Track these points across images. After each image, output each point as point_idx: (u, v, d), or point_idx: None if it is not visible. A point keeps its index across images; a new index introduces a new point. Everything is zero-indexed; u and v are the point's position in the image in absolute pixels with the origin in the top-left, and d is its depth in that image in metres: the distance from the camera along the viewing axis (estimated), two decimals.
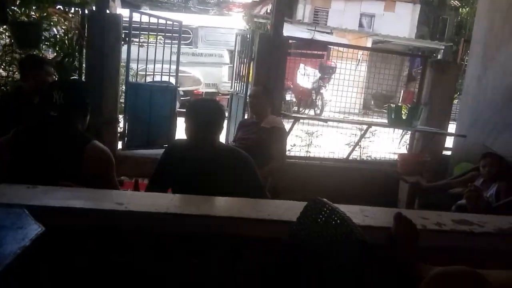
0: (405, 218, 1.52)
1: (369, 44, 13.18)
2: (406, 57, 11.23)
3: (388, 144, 5.54)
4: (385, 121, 4.86)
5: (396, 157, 5.04)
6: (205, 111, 2.17)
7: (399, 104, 5.61)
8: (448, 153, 5.13)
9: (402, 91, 8.85)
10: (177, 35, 4.94)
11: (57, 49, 3.90)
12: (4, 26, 3.64)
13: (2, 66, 3.91)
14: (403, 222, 1.50)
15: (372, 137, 5.52)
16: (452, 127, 5.26)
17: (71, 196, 1.62)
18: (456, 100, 5.64)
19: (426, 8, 17.32)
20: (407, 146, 5.31)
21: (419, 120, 4.65)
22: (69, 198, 1.59)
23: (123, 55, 4.31)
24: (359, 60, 6.25)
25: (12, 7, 3.38)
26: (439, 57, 12.24)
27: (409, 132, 5.18)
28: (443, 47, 13.76)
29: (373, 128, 5.32)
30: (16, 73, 3.63)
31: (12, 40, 3.66)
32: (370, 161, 5.28)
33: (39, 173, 1.83)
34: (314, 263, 1.30)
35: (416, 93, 5.25)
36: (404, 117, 4.54)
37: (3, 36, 3.90)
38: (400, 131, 5.51)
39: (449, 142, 5.19)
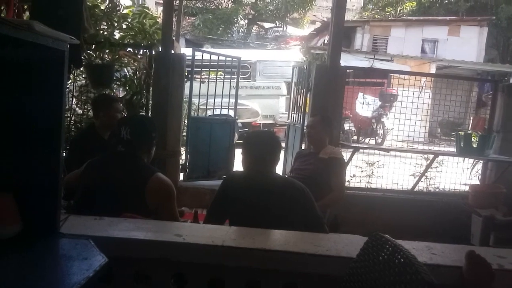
0: (478, 257, 1.36)
1: (433, 70, 12.66)
2: (474, 82, 10.60)
3: (458, 174, 5.17)
4: (454, 149, 4.57)
5: (467, 188, 4.69)
6: (261, 143, 2.19)
7: (469, 131, 5.27)
8: None
9: (472, 118, 8.32)
10: (236, 70, 5.12)
11: (127, 88, 4.20)
12: (81, 69, 4.00)
13: (79, 105, 4.27)
14: (476, 261, 1.35)
15: (440, 167, 5.20)
16: None
17: (133, 227, 1.69)
18: None
19: (495, 31, 16.39)
20: (479, 177, 4.92)
21: (492, 149, 4.32)
22: (132, 230, 1.65)
23: (186, 91, 4.53)
24: (422, 86, 6.01)
25: (88, 51, 3.71)
26: (511, 81, 11.43)
27: (481, 161, 4.82)
28: None
29: (441, 157, 5.02)
30: (90, 111, 3.94)
31: (88, 81, 4.00)
32: (438, 193, 4.95)
33: (106, 203, 1.94)
34: None
35: (487, 120, 4.90)
36: (475, 145, 4.24)
37: (80, 78, 4.29)
38: (471, 160, 5.14)
39: None
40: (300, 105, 4.84)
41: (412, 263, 1.14)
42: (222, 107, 5.07)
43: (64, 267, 1.24)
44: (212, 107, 5.14)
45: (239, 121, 8.15)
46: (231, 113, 5.39)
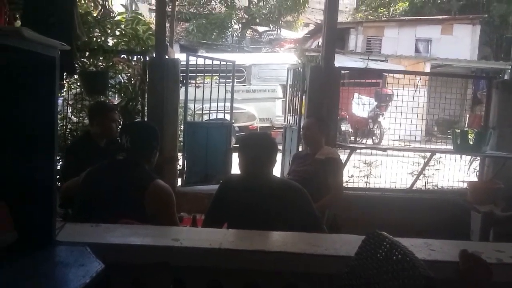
0: (472, 255, 1.34)
1: (427, 69, 12.71)
2: (469, 80, 10.64)
3: (456, 172, 5.18)
4: (451, 147, 4.58)
5: (465, 185, 4.69)
6: (257, 145, 2.19)
7: (465, 128, 5.29)
8: None
9: (468, 115, 8.35)
10: (231, 74, 5.13)
11: (122, 94, 4.19)
12: (75, 76, 4.00)
13: (74, 113, 4.26)
14: (470, 260, 1.32)
15: (437, 165, 5.21)
16: None
17: (130, 233, 1.68)
18: None
19: (487, 28, 16.50)
20: (477, 173, 4.93)
21: (489, 145, 4.33)
22: (129, 235, 1.64)
23: (181, 96, 4.52)
24: (417, 85, 6.03)
25: (82, 59, 3.71)
26: (506, 77, 11.48)
27: (478, 158, 4.83)
28: (510, 67, 12.89)
29: (438, 155, 5.03)
30: (86, 119, 3.93)
31: (82, 89, 4.00)
32: (437, 191, 4.96)
33: (105, 211, 1.93)
34: None
35: (483, 117, 4.92)
36: (471, 142, 4.26)
37: (75, 86, 4.28)
38: (468, 157, 5.15)
39: None
40: (296, 107, 4.85)
41: (409, 259, 1.13)
42: (218, 111, 5.07)
43: (60, 274, 1.23)
44: (208, 111, 5.14)
45: (235, 125, 8.15)
46: (228, 117, 5.39)
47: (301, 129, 4.01)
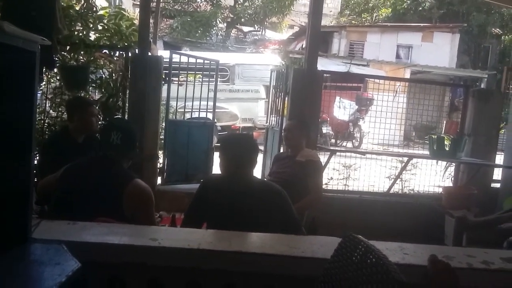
0: (441, 262, 1.36)
1: (407, 75, 12.97)
2: (447, 87, 10.92)
3: (432, 177, 5.31)
4: (427, 152, 4.69)
5: (440, 190, 4.81)
6: (238, 146, 2.20)
7: (442, 135, 5.42)
8: (497, 185, 4.83)
9: (445, 122, 8.56)
10: (215, 73, 5.12)
11: (102, 90, 4.13)
12: (55, 70, 3.92)
13: (52, 107, 4.17)
14: (440, 266, 1.35)
15: (414, 169, 5.32)
16: (499, 158, 4.98)
17: (107, 232, 1.66)
18: (503, 130, 5.37)
19: (466, 37, 16.95)
20: (452, 179, 5.06)
21: (464, 151, 4.45)
22: (106, 234, 1.63)
23: (164, 94, 4.49)
24: (397, 91, 6.15)
25: (62, 52, 3.64)
26: (482, 86, 11.83)
27: (454, 164, 4.96)
28: (486, 76, 13.29)
29: (415, 160, 5.14)
30: (64, 113, 3.85)
31: (62, 83, 3.92)
32: (413, 195, 5.06)
33: (82, 209, 1.91)
34: None
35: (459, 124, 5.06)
36: (447, 148, 4.37)
37: (54, 80, 4.19)
38: (444, 163, 5.28)
39: (497, 174, 4.90)
40: (279, 108, 4.88)
41: (383, 263, 1.16)
42: (201, 110, 5.05)
43: (35, 273, 1.21)
44: (191, 110, 5.11)
45: (218, 124, 8.13)
46: (210, 116, 5.38)
47: (282, 131, 4.04)
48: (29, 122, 1.32)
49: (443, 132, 6.95)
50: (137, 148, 2.20)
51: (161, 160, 4.65)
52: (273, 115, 5.13)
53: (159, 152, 4.59)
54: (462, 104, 5.04)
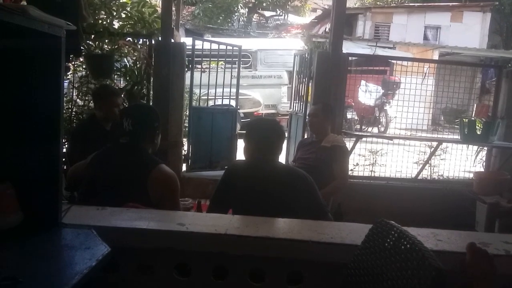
0: (480, 250, 1.30)
1: (435, 57, 12.55)
2: (478, 69, 10.50)
3: (462, 162, 5.14)
4: (457, 137, 4.54)
5: (471, 175, 4.66)
6: (264, 131, 2.17)
7: (473, 118, 5.23)
8: None
9: (476, 105, 8.26)
10: (237, 59, 5.07)
11: (127, 78, 4.16)
12: (81, 59, 3.96)
13: (79, 96, 4.24)
14: (479, 254, 1.29)
15: (444, 154, 5.17)
16: None
17: (136, 217, 1.67)
18: None
19: (498, 16, 16.20)
20: (484, 164, 4.89)
21: (496, 135, 4.28)
22: (135, 219, 1.64)
23: (187, 81, 4.49)
24: (425, 73, 5.95)
25: (87, 41, 3.67)
26: None
27: (485, 148, 4.78)
28: None
29: (444, 145, 4.98)
30: (91, 102, 3.91)
31: (88, 72, 3.97)
32: (442, 181, 4.92)
33: (109, 195, 1.93)
34: None
35: (491, 107, 4.86)
36: (479, 132, 4.21)
37: (80, 69, 4.25)
38: (475, 147, 5.10)
39: None
40: (302, 94, 4.80)
41: (418, 249, 1.12)
42: (224, 97, 5.04)
43: (66, 257, 1.23)
44: (214, 97, 5.11)
45: (241, 111, 8.11)
46: (233, 103, 5.36)
47: (307, 116, 3.98)
48: (57, 108, 1.33)
49: (473, 116, 6.71)
50: (157, 130, 2.18)
51: (185, 147, 4.69)
52: (297, 101, 5.07)
53: (184, 139, 4.62)
54: (495, 85, 4.83)
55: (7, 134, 1.37)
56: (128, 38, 4.08)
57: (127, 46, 4.10)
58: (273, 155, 2.16)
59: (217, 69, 5.05)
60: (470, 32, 14.56)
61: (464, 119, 4.37)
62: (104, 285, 1.52)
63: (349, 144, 4.12)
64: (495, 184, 4.11)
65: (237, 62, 5.09)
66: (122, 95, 3.82)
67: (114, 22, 3.94)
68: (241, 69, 5.19)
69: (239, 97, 5.36)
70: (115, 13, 3.89)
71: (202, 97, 5.59)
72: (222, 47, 4.94)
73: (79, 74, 4.28)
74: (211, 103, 5.38)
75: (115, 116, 3.09)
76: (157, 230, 1.57)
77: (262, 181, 2.07)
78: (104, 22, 3.82)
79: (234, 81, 5.09)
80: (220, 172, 2.98)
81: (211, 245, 1.56)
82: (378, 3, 19.54)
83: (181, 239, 1.56)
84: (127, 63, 4.31)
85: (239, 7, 18.49)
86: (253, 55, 9.82)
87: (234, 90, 5.16)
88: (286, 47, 10.09)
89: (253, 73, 9.81)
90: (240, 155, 2.46)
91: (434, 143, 4.84)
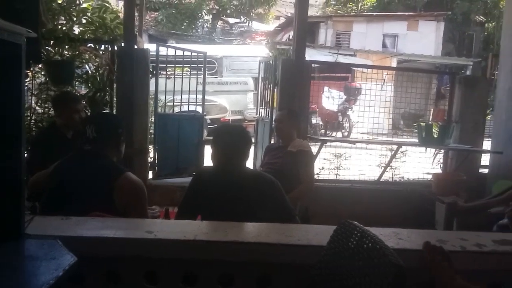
0: (434, 247, 1.40)
1: (394, 64, 13.07)
2: (433, 75, 11.02)
3: (421, 164, 5.37)
4: (416, 140, 4.74)
5: (430, 177, 4.87)
6: (230, 136, 2.18)
7: (430, 122, 5.48)
8: (485, 171, 4.91)
9: (432, 110, 8.66)
10: (202, 65, 5.08)
11: (89, 84, 4.07)
12: (40, 66, 3.84)
13: (39, 103, 4.10)
14: (434, 251, 1.39)
15: (404, 157, 5.38)
16: (487, 144, 5.06)
17: (102, 226, 1.64)
18: (489, 116, 5.45)
19: (450, 25, 17.11)
20: (441, 166, 5.13)
21: (452, 138, 4.51)
22: (101, 228, 1.61)
23: (152, 88, 4.44)
24: (384, 80, 6.19)
25: (47, 47, 3.57)
26: (467, 73, 11.97)
27: (442, 151, 5.02)
28: (471, 63, 13.47)
29: (404, 148, 5.20)
30: (51, 109, 3.79)
31: (47, 78, 3.85)
32: (403, 182, 5.12)
33: (74, 204, 1.88)
34: None
35: (446, 111, 5.12)
36: (435, 136, 4.42)
37: (39, 75, 4.11)
38: (433, 150, 5.34)
39: (485, 159, 4.98)
40: (268, 100, 4.87)
41: (379, 247, 1.18)
42: (190, 103, 5.02)
43: (31, 268, 1.19)
44: (180, 103, 5.08)
45: (207, 117, 8.08)
46: (199, 109, 5.34)
47: (273, 122, 4.04)
48: (18, 116, 1.29)
49: (430, 120, 7.03)
50: (121, 136, 2.16)
51: (151, 154, 4.62)
52: (263, 107, 5.13)
53: (150, 146, 4.55)
54: (449, 91, 5.09)
55: None
56: (90, 44, 4.00)
57: (88, 52, 4.01)
58: (240, 161, 2.18)
59: (182, 75, 5.03)
60: (425, 40, 15.29)
61: (422, 123, 4.58)
62: None
63: (314, 148, 4.21)
64: (452, 185, 4.31)
65: (202, 69, 5.09)
66: (84, 102, 3.73)
67: (74, 28, 3.85)
68: (206, 76, 5.19)
69: (205, 103, 5.36)
70: (75, 19, 3.81)
71: (168, 104, 5.54)
72: (187, 53, 4.93)
73: (38, 80, 4.13)
74: (177, 109, 5.34)
75: (75, 123, 3.02)
76: (125, 239, 1.55)
77: (230, 186, 2.08)
78: (64, 28, 3.73)
79: (200, 88, 5.09)
80: (188, 179, 2.96)
81: (180, 251, 1.55)
82: (338, 12, 20.15)
83: (149, 246, 1.54)
84: (89, 70, 4.21)
85: (203, 13, 18.48)
86: (218, 62, 9.83)
87: (200, 96, 5.15)
88: (251, 54, 10.19)
89: (219, 80, 9.83)
90: (207, 162, 2.46)
91: (395, 147, 5.03)
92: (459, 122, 4.75)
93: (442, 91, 10.74)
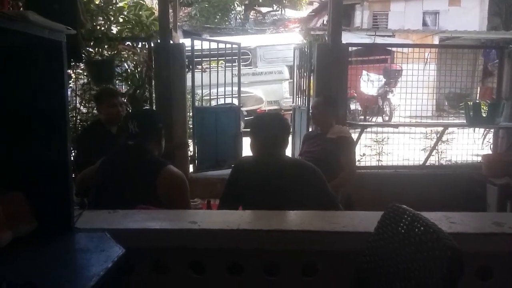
0: None
1: (436, 42, 12.47)
2: (479, 51, 10.40)
3: (469, 146, 5.10)
4: (463, 121, 4.51)
5: (480, 158, 4.63)
6: (268, 125, 2.16)
7: (477, 101, 5.19)
8: None
9: (479, 88, 8.20)
10: (237, 57, 5.07)
11: (129, 82, 4.17)
12: (82, 67, 3.97)
13: (83, 104, 4.26)
14: None
15: (450, 139, 5.14)
16: None
17: (148, 218, 1.68)
18: None
19: None
20: (491, 146, 4.85)
21: (502, 117, 4.25)
22: (146, 220, 1.65)
23: (188, 82, 4.49)
24: (427, 59, 5.91)
25: (87, 48, 3.68)
26: None
27: (492, 130, 4.75)
28: None
29: (451, 129, 4.95)
30: (95, 109, 3.92)
31: (89, 79, 3.98)
32: (451, 166, 4.89)
33: (120, 198, 1.94)
34: (397, 277, 1.20)
35: (495, 88, 4.82)
36: (484, 115, 4.18)
37: (82, 76, 4.26)
38: (482, 130, 5.06)
39: None
40: (304, 88, 4.79)
41: (433, 231, 1.11)
42: (226, 96, 5.03)
43: (82, 260, 1.24)
44: (216, 96, 5.12)
45: (243, 109, 8.09)
46: (235, 101, 5.35)
47: (310, 110, 3.97)
48: (63, 112, 1.33)
49: (477, 99, 6.66)
50: (160, 129, 2.21)
51: (191, 148, 4.69)
52: (299, 95, 5.05)
53: (189, 140, 4.62)
54: (498, 67, 4.78)
55: (16, 142, 1.37)
56: (127, 42, 4.09)
57: (126, 51, 4.10)
58: (279, 149, 2.15)
59: (217, 68, 5.05)
60: (469, 16, 14.45)
61: (469, 102, 4.34)
62: (120, 287, 1.52)
63: (354, 135, 4.10)
64: (504, 166, 4.07)
65: (237, 60, 5.08)
66: (125, 100, 3.83)
67: (112, 27, 3.95)
68: (241, 67, 5.18)
69: (241, 95, 5.36)
70: (112, 18, 3.89)
71: (205, 97, 5.59)
72: (221, 45, 4.93)
73: (81, 81, 4.29)
74: (213, 102, 5.38)
75: (116, 117, 3.09)
76: (170, 230, 1.58)
77: (270, 176, 2.06)
78: (103, 28, 3.83)
79: (235, 80, 5.09)
80: (227, 171, 2.97)
81: (224, 241, 1.56)
82: None
83: (193, 237, 1.56)
84: (128, 68, 4.31)
85: (236, 5, 18.45)
86: (252, 52, 9.79)
87: (235, 88, 5.15)
88: (285, 42, 10.05)
89: (254, 70, 9.79)
90: (246, 153, 2.45)
91: (440, 129, 4.81)
92: (509, 99, 4.46)
93: (489, 67, 10.13)
